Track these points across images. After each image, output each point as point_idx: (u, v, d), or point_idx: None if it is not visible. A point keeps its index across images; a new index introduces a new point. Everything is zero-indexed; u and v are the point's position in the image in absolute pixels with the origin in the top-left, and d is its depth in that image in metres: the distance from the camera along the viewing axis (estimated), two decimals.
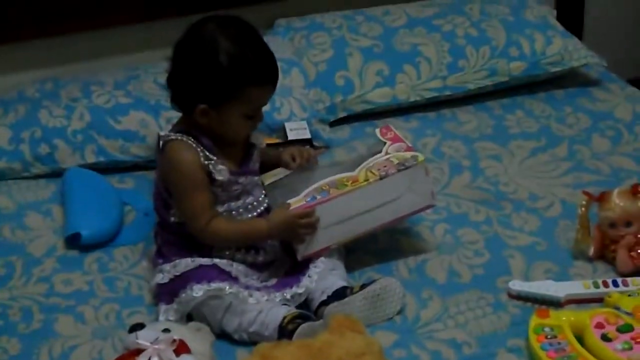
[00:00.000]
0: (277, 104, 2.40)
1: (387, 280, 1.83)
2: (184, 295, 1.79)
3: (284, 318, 1.75)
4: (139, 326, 1.68)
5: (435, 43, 2.58)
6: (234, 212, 1.90)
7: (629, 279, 1.88)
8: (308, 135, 2.31)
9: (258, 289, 1.84)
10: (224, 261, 1.86)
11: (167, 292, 1.84)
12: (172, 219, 1.89)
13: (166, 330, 1.66)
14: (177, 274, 1.83)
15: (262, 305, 1.79)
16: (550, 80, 2.67)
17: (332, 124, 2.50)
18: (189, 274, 1.83)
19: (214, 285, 1.79)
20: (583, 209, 1.98)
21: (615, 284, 1.87)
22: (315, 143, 2.33)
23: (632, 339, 1.68)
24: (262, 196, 1.95)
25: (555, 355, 1.68)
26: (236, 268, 1.87)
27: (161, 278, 1.85)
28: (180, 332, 1.67)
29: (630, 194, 1.96)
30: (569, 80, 2.68)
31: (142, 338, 1.64)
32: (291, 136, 2.30)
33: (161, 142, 1.89)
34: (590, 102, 2.60)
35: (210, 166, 1.85)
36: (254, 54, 1.84)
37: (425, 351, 1.76)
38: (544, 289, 1.86)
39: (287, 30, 2.66)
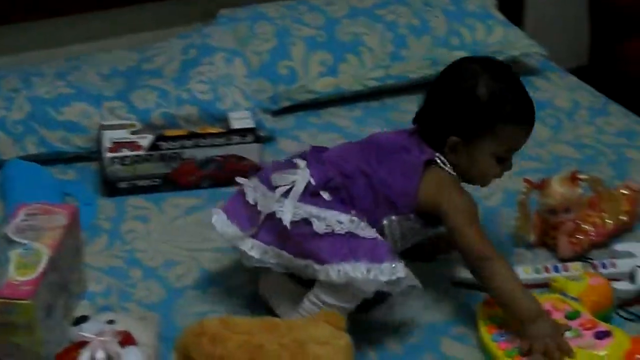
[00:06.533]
0: (220, 94, 2.39)
1: None
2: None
3: None
4: (83, 318, 1.67)
5: (377, 33, 2.59)
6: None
7: (569, 264, 1.91)
8: (252, 125, 2.30)
9: None
10: None
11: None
12: None
13: (111, 322, 1.65)
14: None
15: None
16: None
17: (276, 114, 2.50)
18: None
19: None
20: (523, 196, 2.00)
21: (556, 269, 1.90)
22: (259, 133, 2.33)
23: (581, 325, 1.69)
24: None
25: (506, 347, 1.69)
26: None
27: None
28: (125, 323, 1.66)
29: (570, 181, 1.98)
30: None
31: (87, 330, 1.62)
32: (235, 125, 2.29)
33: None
34: (531, 90, 2.53)
35: None
36: (514, 93, 1.81)
37: (371, 343, 1.77)
38: None
39: (230, 20, 2.65)
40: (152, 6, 2.70)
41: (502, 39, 2.64)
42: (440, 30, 2.62)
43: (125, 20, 2.70)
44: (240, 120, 2.32)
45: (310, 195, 1.76)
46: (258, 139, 2.28)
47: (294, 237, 1.72)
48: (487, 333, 1.73)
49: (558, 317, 1.71)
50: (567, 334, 1.67)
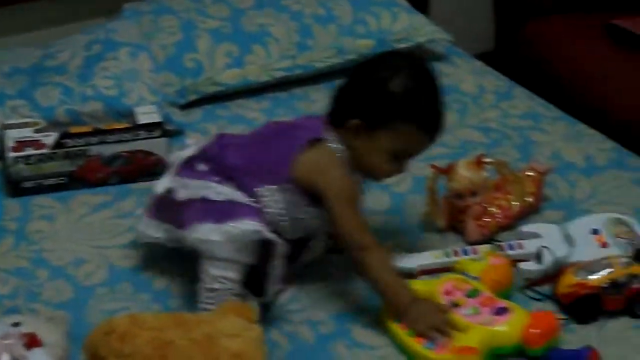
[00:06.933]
0: (125, 89, 2.36)
1: None
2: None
3: None
4: None
5: (283, 23, 2.59)
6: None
7: (477, 247, 1.93)
8: (158, 119, 2.28)
9: None
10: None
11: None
12: None
13: (16, 324, 1.62)
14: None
15: None
16: None
17: (184, 107, 2.48)
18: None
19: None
20: (430, 182, 2.02)
21: (465, 252, 1.92)
22: (166, 127, 2.30)
23: (480, 303, 1.73)
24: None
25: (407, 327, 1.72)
26: None
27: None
28: (32, 324, 1.63)
29: (475, 165, 2.01)
30: None
31: None
32: (141, 120, 2.27)
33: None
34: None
35: None
36: (428, 100, 1.79)
37: (283, 334, 1.77)
38: (396, 262, 1.88)
39: (135, 14, 2.62)
40: (54, 1, 2.66)
41: (407, 26, 2.66)
42: (345, 19, 2.62)
43: (27, 16, 2.65)
44: (146, 115, 2.29)
45: (190, 167, 1.83)
46: (165, 134, 2.26)
47: (168, 207, 1.81)
48: (389, 316, 1.76)
49: (459, 296, 1.75)
50: (465, 311, 1.71)
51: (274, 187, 1.77)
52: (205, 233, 1.71)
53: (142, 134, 2.23)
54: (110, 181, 2.22)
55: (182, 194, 1.78)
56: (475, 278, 1.79)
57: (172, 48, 2.52)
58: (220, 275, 1.73)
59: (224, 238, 1.70)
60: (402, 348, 1.71)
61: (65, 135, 2.20)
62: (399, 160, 1.81)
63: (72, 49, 2.47)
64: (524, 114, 2.49)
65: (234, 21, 2.58)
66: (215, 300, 1.73)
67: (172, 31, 2.55)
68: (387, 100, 1.77)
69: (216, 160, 1.81)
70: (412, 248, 1.98)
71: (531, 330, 1.67)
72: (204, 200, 1.75)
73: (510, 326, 1.69)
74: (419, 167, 2.21)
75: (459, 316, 1.71)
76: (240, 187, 1.77)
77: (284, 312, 1.81)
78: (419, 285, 1.80)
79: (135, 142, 2.22)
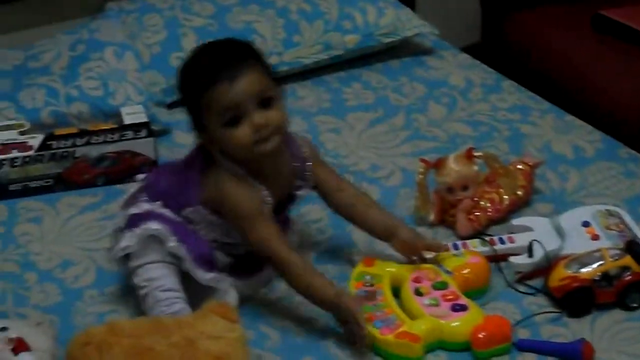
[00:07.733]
0: (111, 89, 2.35)
1: None
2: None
3: None
4: None
5: (269, 19, 2.57)
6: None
7: (468, 242, 1.92)
8: (145, 119, 2.26)
9: None
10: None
11: None
12: None
13: (3, 329, 1.60)
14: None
15: None
16: (385, 51, 2.69)
17: (170, 106, 2.46)
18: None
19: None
20: (421, 176, 2.01)
21: (455, 247, 1.91)
22: (153, 127, 2.29)
23: (443, 296, 1.74)
24: None
25: (365, 302, 1.74)
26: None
27: None
28: (19, 329, 1.61)
29: (466, 159, 2.00)
30: (404, 50, 2.72)
31: None
32: (127, 120, 2.25)
33: None
34: (424, 70, 2.65)
35: None
36: (188, 65, 1.80)
37: (274, 328, 1.77)
38: None
39: (119, 13, 2.60)
40: (36, 2, 2.64)
41: (394, 21, 2.64)
42: (331, 15, 2.61)
43: (7, 17, 2.62)
44: (133, 115, 2.28)
45: (133, 200, 1.85)
46: (152, 133, 2.24)
47: None
48: (354, 288, 1.79)
49: (426, 285, 1.77)
50: (426, 301, 1.74)
51: (191, 209, 1.80)
52: (124, 241, 1.77)
53: (129, 134, 2.21)
54: (96, 182, 2.20)
55: (121, 223, 1.82)
56: (448, 272, 1.80)
57: (158, 47, 2.50)
58: (143, 280, 1.75)
59: (134, 241, 1.76)
60: None
61: (50, 137, 2.18)
62: (237, 123, 1.73)
63: (56, 49, 2.45)
64: (513, 106, 2.48)
65: (219, 19, 2.56)
66: (153, 302, 1.74)
67: (156, 30, 2.53)
68: (181, 99, 1.84)
69: (151, 188, 1.85)
70: None
71: (478, 333, 1.68)
72: (130, 217, 1.81)
73: (462, 323, 1.70)
74: (409, 161, 2.22)
75: (418, 305, 1.73)
76: (169, 208, 1.81)
77: (275, 307, 1.80)
78: (392, 267, 1.83)
79: (122, 143, 2.20)
